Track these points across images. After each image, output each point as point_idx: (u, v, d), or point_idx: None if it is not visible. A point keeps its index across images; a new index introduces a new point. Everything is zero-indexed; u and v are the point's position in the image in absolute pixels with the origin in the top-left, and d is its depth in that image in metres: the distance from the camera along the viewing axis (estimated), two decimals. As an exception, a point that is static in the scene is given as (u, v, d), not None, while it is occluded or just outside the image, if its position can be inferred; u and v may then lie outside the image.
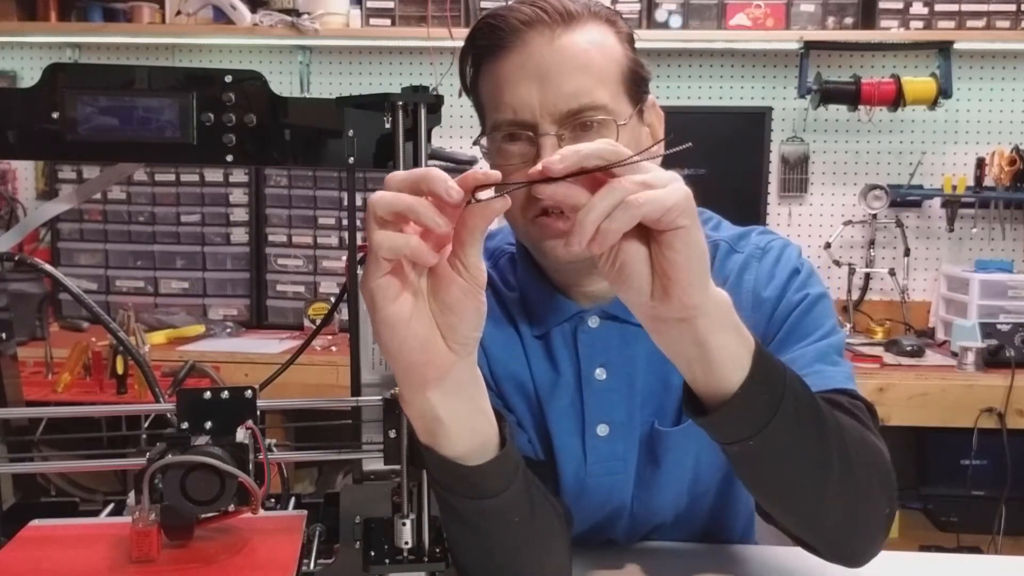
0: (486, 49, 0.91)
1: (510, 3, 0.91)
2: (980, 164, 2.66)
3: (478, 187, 0.61)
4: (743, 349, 0.70)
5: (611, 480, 0.99)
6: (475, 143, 0.95)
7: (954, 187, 2.67)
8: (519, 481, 0.73)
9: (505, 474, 0.71)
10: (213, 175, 2.66)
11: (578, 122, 0.87)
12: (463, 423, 0.67)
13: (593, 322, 0.97)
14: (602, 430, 0.98)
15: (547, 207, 0.88)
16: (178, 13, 2.73)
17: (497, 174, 0.61)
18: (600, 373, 0.97)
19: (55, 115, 0.66)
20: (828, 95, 2.63)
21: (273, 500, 0.82)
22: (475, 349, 0.66)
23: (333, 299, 2.15)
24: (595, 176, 0.62)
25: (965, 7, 2.56)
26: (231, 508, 0.66)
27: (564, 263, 0.93)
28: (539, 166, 0.62)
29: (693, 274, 0.64)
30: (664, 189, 0.62)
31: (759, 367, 0.70)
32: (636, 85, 0.92)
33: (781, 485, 0.78)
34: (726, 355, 0.69)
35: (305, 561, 0.71)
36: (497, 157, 0.91)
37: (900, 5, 2.58)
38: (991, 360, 2.23)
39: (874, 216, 2.72)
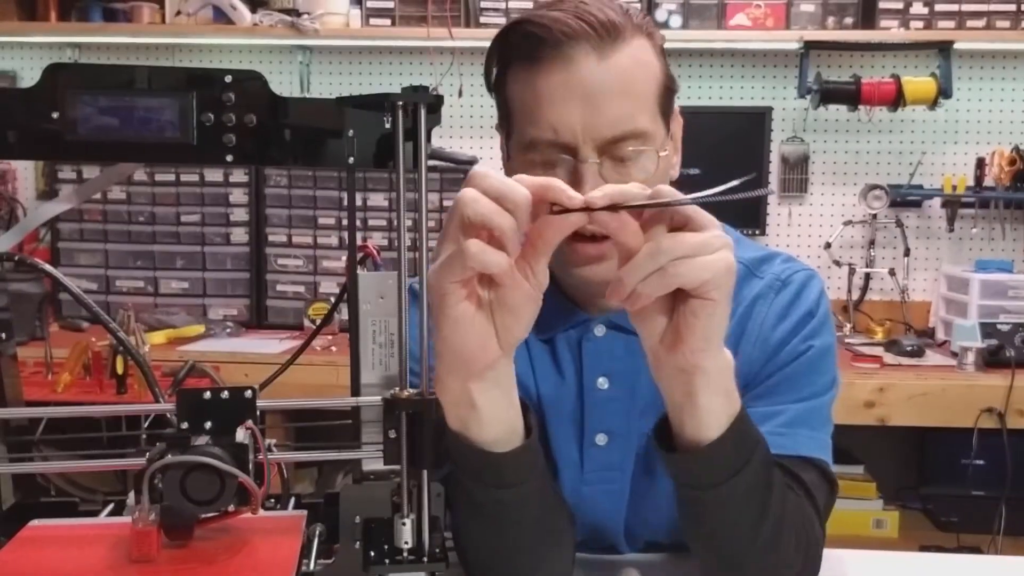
0: (524, 56, 0.86)
1: (547, 7, 0.87)
2: (980, 164, 2.66)
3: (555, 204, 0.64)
4: (725, 415, 0.73)
5: (606, 489, 0.98)
6: (501, 137, 0.94)
7: (954, 187, 2.67)
8: (538, 474, 0.76)
9: (527, 465, 0.75)
10: (213, 175, 2.66)
11: (618, 154, 0.85)
12: (496, 412, 0.71)
13: (599, 331, 0.97)
14: (601, 439, 0.97)
15: (581, 231, 0.87)
16: (178, 13, 2.74)
17: (580, 197, 0.64)
18: (603, 382, 0.97)
19: (55, 115, 0.66)
20: (828, 95, 2.63)
21: (273, 500, 0.82)
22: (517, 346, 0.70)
23: (333, 299, 2.15)
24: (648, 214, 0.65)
25: (965, 7, 2.57)
26: (231, 508, 0.66)
27: (592, 286, 0.92)
28: (606, 191, 0.64)
29: (705, 341, 0.67)
30: (708, 257, 0.64)
31: (734, 434, 0.74)
32: (668, 100, 0.91)
33: (711, 535, 0.81)
34: (709, 414, 0.72)
35: (305, 561, 0.71)
36: (526, 170, 0.87)
37: (900, 5, 2.59)
38: (991, 360, 2.23)
39: (874, 216, 2.72)
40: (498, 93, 0.92)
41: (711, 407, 0.72)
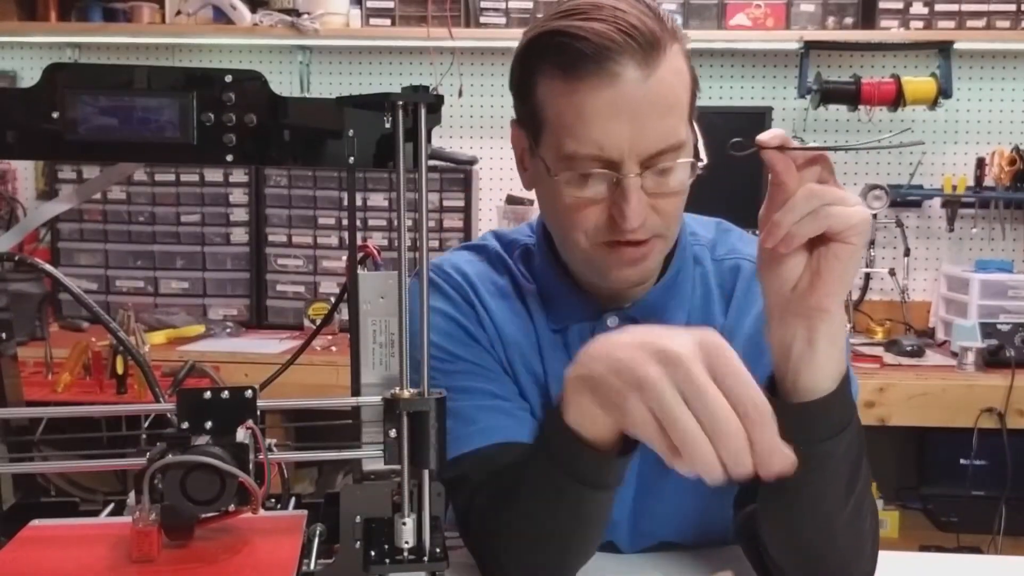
0: (561, 67, 0.84)
1: (583, 16, 0.84)
2: (980, 164, 2.66)
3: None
4: (838, 370, 0.77)
5: None
6: (521, 136, 0.94)
7: (954, 187, 2.67)
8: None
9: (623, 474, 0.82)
10: (213, 175, 2.66)
11: (658, 166, 0.86)
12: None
13: (612, 322, 0.98)
14: None
15: (618, 240, 0.88)
16: (178, 13, 2.73)
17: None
18: None
19: (55, 115, 0.66)
20: (828, 95, 2.63)
21: (273, 500, 0.82)
22: None
23: (333, 299, 2.15)
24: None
25: (965, 7, 2.57)
26: (231, 508, 0.66)
27: (624, 287, 0.95)
28: (776, 134, 0.72)
29: (840, 284, 0.74)
30: (853, 208, 0.72)
31: (843, 390, 0.77)
32: (695, 99, 0.92)
33: (809, 499, 0.80)
34: (827, 363, 0.76)
35: (305, 561, 0.71)
36: (568, 187, 0.87)
37: (900, 5, 2.59)
38: (991, 360, 2.23)
39: (874, 216, 2.72)
40: (524, 95, 0.91)
41: (829, 356, 0.76)
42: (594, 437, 0.77)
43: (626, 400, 0.69)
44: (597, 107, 0.83)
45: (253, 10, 2.68)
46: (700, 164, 0.89)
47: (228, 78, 0.67)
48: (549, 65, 0.86)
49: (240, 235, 2.66)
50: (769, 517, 0.85)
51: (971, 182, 2.68)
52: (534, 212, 2.38)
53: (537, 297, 1.01)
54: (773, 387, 0.79)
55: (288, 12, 2.66)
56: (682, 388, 0.66)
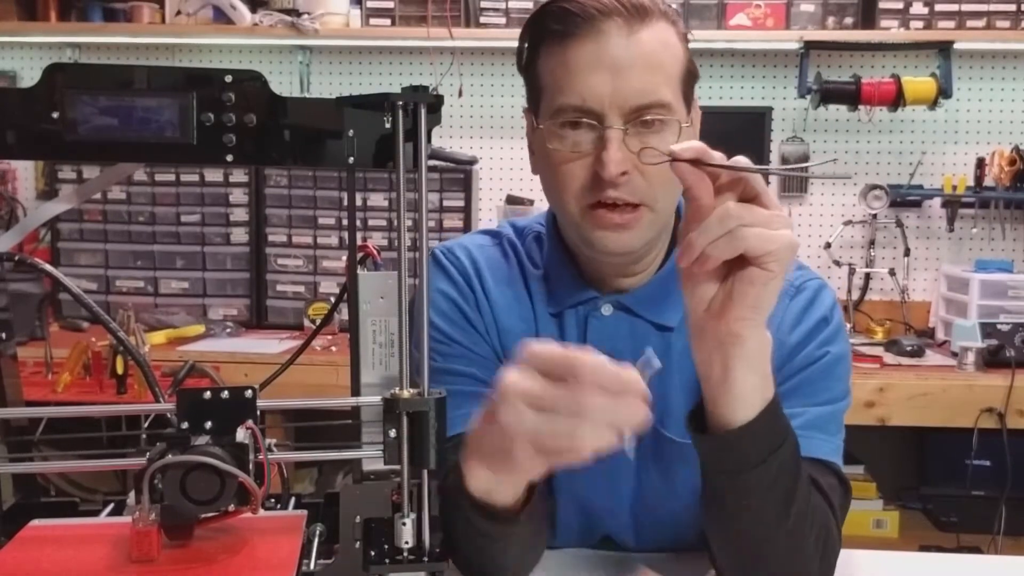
0: (556, 33, 0.90)
1: None
2: (980, 164, 2.66)
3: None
4: (760, 396, 0.75)
5: (604, 470, 0.98)
6: (529, 116, 0.97)
7: (954, 187, 2.67)
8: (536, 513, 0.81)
9: (530, 513, 0.80)
10: (213, 175, 2.66)
11: (642, 119, 0.88)
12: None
13: (606, 310, 0.99)
14: None
15: (604, 199, 0.89)
16: (178, 13, 2.73)
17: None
18: None
19: (55, 115, 0.66)
20: (828, 95, 2.63)
21: (273, 500, 0.82)
22: None
23: (333, 299, 2.15)
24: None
25: (965, 7, 2.56)
26: (231, 508, 0.66)
27: (610, 255, 0.94)
28: (693, 146, 0.67)
29: (754, 311, 0.70)
30: (775, 232, 0.67)
31: (766, 418, 0.75)
32: (690, 85, 0.93)
33: (736, 524, 0.82)
34: (744, 392, 0.74)
35: (305, 561, 0.71)
36: (553, 140, 0.91)
37: (900, 5, 2.58)
38: (991, 360, 2.23)
39: (874, 216, 2.72)
40: (529, 72, 0.95)
41: (747, 385, 0.73)
42: (501, 501, 0.77)
43: (510, 447, 0.69)
44: (581, 61, 0.88)
45: (253, 10, 2.68)
46: (684, 125, 0.90)
47: (228, 78, 0.67)
48: (546, 35, 0.91)
49: (240, 235, 2.66)
50: (709, 532, 0.86)
51: (971, 182, 2.68)
52: (534, 212, 2.37)
53: (541, 281, 1.02)
54: (701, 414, 0.78)
55: (288, 12, 2.65)
56: (530, 406, 0.67)
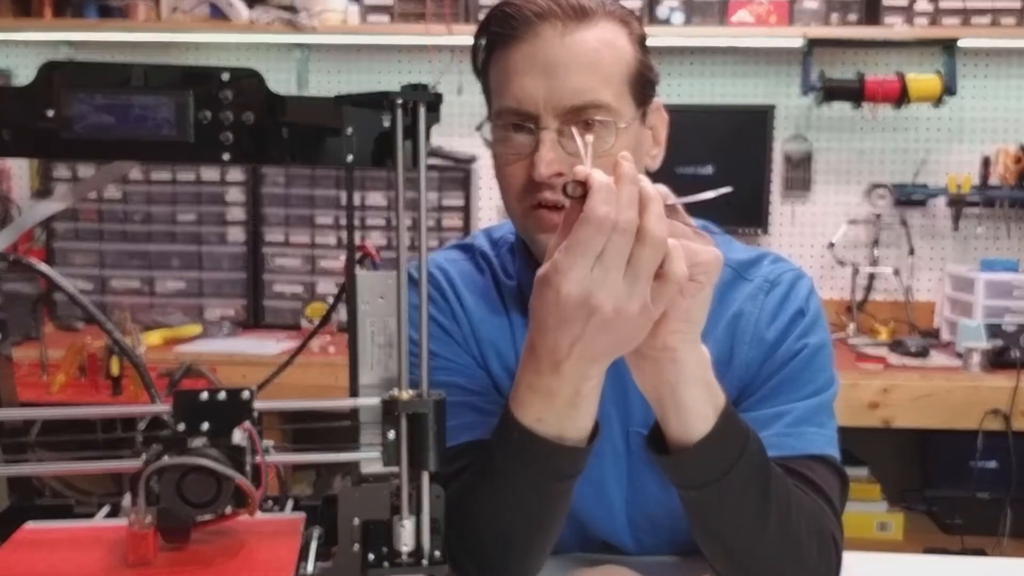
0: (498, 37, 0.92)
1: None
2: (985, 163, 2.65)
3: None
4: (711, 407, 0.76)
5: (589, 476, 0.98)
6: (478, 129, 0.97)
7: (959, 186, 2.66)
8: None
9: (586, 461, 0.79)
10: (209, 174, 2.65)
11: (579, 120, 0.88)
12: (594, 406, 0.76)
13: None
14: None
15: (543, 201, 0.90)
16: (174, 10, 2.73)
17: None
18: None
19: (50, 113, 0.65)
20: (832, 93, 2.62)
21: (271, 502, 0.82)
22: None
23: (331, 299, 2.14)
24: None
25: (970, 4, 2.56)
26: (228, 510, 0.65)
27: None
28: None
29: (686, 323, 0.72)
30: (700, 246, 0.70)
31: (722, 428, 0.76)
32: (642, 87, 0.93)
33: (718, 533, 0.83)
34: (693, 407, 0.75)
35: (303, 564, 0.70)
36: (498, 144, 0.93)
37: (904, 2, 2.58)
38: (996, 361, 2.23)
39: (878, 215, 2.71)
40: (482, 76, 0.97)
41: (694, 399, 0.75)
42: (572, 429, 0.77)
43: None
44: (518, 63, 0.89)
45: (250, 7, 2.67)
46: (620, 126, 0.89)
47: (225, 76, 0.66)
48: (491, 39, 0.93)
49: (237, 234, 2.65)
50: (699, 543, 0.86)
51: (976, 181, 2.66)
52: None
53: (515, 293, 1.02)
54: (660, 434, 0.78)
55: (285, 9, 2.65)
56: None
